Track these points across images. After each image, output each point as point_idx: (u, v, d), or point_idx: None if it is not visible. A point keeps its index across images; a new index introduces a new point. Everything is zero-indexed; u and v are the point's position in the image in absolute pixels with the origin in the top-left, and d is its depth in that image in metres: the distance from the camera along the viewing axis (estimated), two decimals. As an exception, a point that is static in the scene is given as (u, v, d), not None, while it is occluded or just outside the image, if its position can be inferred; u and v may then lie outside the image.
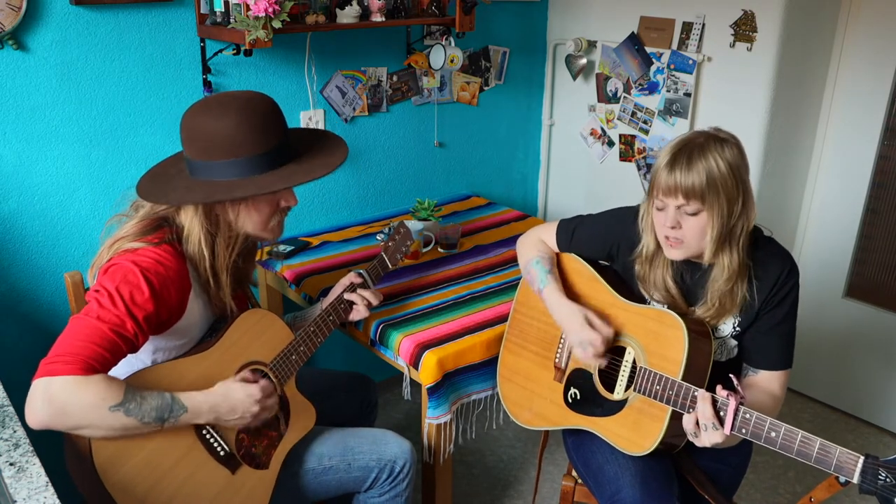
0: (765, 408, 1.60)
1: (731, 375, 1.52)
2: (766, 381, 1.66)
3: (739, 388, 1.48)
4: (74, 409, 1.30)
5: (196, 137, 1.53)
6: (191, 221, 1.54)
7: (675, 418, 1.57)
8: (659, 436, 1.59)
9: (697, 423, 1.49)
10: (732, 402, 1.44)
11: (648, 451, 1.61)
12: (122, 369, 1.47)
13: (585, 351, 1.69)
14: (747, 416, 1.43)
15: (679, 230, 1.56)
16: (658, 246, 1.68)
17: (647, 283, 1.72)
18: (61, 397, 1.29)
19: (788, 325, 1.65)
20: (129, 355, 1.44)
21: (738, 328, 1.66)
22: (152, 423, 1.39)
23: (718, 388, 1.49)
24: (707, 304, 1.64)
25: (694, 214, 1.53)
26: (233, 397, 1.51)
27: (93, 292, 1.42)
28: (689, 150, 1.52)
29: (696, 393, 1.51)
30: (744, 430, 1.44)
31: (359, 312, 1.91)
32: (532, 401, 1.89)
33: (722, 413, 1.46)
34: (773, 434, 1.40)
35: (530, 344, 1.91)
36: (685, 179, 1.50)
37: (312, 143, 1.69)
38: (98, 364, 1.34)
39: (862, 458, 1.31)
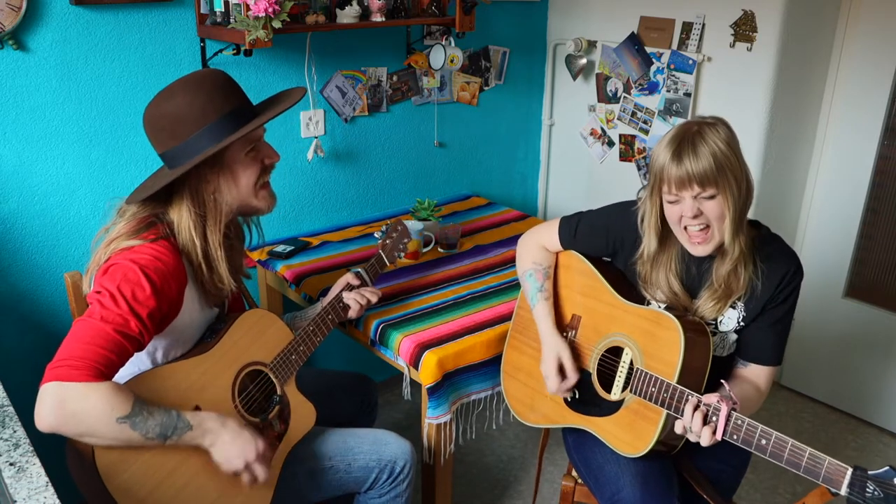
0: (749, 401, 1.62)
1: (722, 381, 1.53)
2: (754, 375, 1.68)
3: (732, 394, 1.48)
4: (84, 417, 1.30)
5: (159, 127, 1.54)
6: (179, 212, 1.54)
7: (671, 421, 1.57)
8: (653, 438, 1.59)
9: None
10: (724, 409, 1.44)
11: (643, 453, 1.61)
12: (126, 370, 1.47)
13: (547, 388, 1.79)
14: (739, 422, 1.44)
15: (701, 217, 1.55)
16: (660, 245, 1.67)
17: (650, 283, 1.72)
18: (72, 404, 1.29)
19: (785, 323, 1.66)
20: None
21: (741, 322, 1.67)
22: (155, 440, 1.39)
23: (707, 395, 1.49)
24: (713, 286, 1.65)
25: (711, 198, 1.53)
26: (239, 433, 1.50)
27: (94, 294, 1.42)
28: (689, 139, 1.53)
29: (689, 397, 1.51)
30: (735, 437, 1.44)
31: (353, 311, 1.92)
32: (534, 398, 1.89)
33: (714, 419, 1.46)
34: (764, 441, 1.40)
35: (533, 342, 1.91)
36: (696, 167, 1.50)
37: (273, 101, 1.72)
38: (105, 368, 1.34)
39: (850, 470, 1.30)
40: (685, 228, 1.59)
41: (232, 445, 1.48)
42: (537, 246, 1.92)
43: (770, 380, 1.69)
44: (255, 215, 1.72)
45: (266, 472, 1.54)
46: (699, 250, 1.60)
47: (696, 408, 1.48)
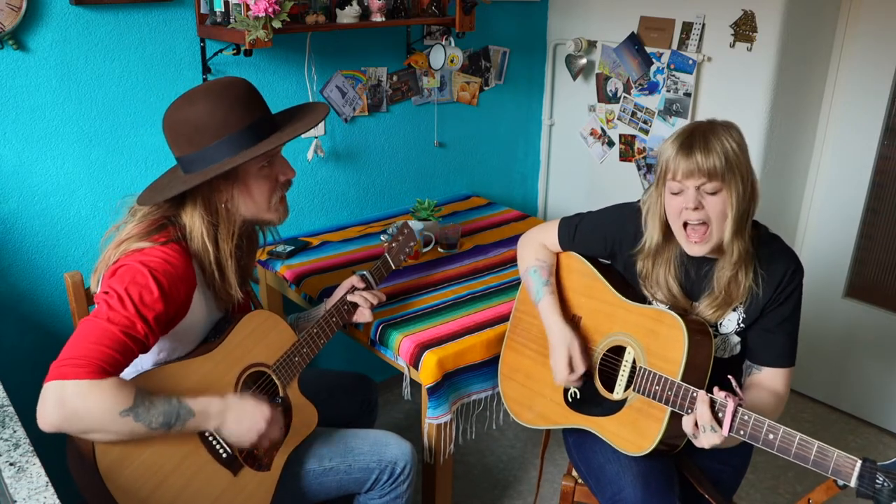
0: (769, 406, 1.60)
1: (729, 377, 1.52)
2: (769, 380, 1.66)
3: (738, 389, 1.48)
4: (86, 414, 1.30)
5: (179, 132, 1.54)
6: (192, 217, 1.54)
7: (674, 419, 1.57)
8: (657, 436, 1.59)
9: (696, 424, 1.49)
10: (731, 404, 1.44)
11: (647, 452, 1.61)
12: (128, 370, 1.46)
13: (557, 379, 1.79)
14: (745, 417, 1.43)
15: (702, 210, 1.54)
16: (663, 240, 1.67)
17: (650, 280, 1.72)
18: (74, 401, 1.29)
19: (793, 323, 1.65)
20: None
21: (741, 325, 1.66)
22: (159, 429, 1.39)
23: (716, 389, 1.50)
24: (714, 292, 1.64)
25: (714, 193, 1.53)
26: (243, 408, 1.50)
27: (102, 294, 1.42)
28: (700, 133, 1.53)
29: (694, 394, 1.51)
30: (742, 432, 1.44)
31: (363, 315, 1.92)
32: (533, 399, 1.89)
33: (720, 414, 1.46)
34: (772, 436, 1.40)
35: (531, 343, 1.91)
36: (706, 160, 1.50)
37: (294, 114, 1.72)
38: (109, 367, 1.34)
39: (859, 461, 1.31)
40: (685, 226, 1.59)
41: (239, 424, 1.49)
42: (539, 244, 1.92)
43: (787, 382, 1.67)
44: (267, 226, 1.73)
45: (279, 432, 1.58)
46: (695, 249, 1.59)
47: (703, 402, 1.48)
